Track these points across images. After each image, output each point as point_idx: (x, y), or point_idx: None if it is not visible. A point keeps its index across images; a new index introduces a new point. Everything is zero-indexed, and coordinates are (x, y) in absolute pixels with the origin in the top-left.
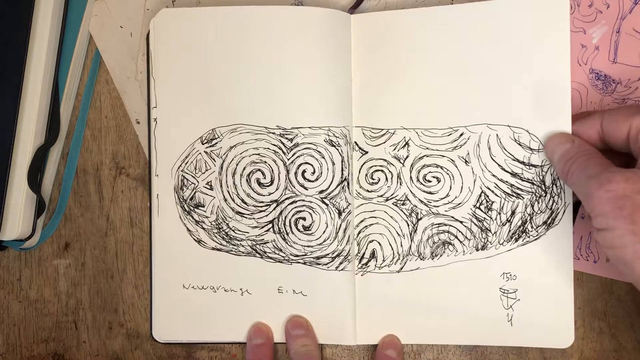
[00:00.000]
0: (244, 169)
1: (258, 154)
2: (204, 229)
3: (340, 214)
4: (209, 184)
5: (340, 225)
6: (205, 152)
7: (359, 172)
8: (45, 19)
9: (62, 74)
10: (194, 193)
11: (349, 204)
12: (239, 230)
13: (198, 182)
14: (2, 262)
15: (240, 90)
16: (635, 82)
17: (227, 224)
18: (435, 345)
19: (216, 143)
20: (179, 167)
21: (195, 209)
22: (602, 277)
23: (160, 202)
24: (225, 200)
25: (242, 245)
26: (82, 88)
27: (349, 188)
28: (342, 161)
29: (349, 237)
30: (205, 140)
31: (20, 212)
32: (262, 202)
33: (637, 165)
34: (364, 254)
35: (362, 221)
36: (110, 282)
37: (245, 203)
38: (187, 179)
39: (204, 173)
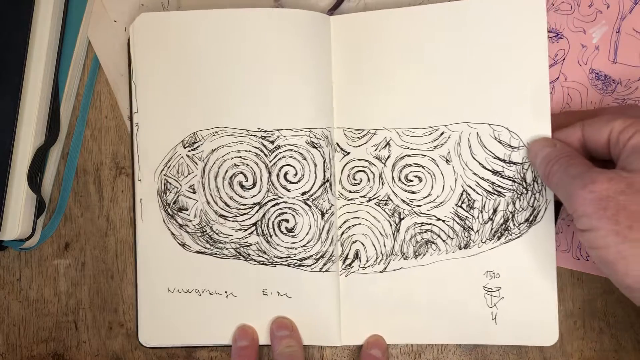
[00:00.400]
0: (226, 172)
1: (240, 157)
2: (187, 232)
3: (323, 215)
4: (192, 187)
5: (324, 226)
6: (187, 156)
7: (341, 173)
8: (45, 19)
9: (62, 74)
10: (177, 197)
11: (332, 205)
12: (223, 233)
13: (181, 185)
14: (2, 262)
15: (221, 93)
16: (635, 82)
17: (211, 227)
18: (435, 345)
19: (198, 146)
20: (161, 171)
21: (179, 213)
22: (602, 277)
23: (143, 206)
24: (209, 203)
25: (226, 248)
26: (82, 88)
27: (331, 189)
28: (324, 162)
29: (332, 238)
30: (187, 144)
31: (20, 212)
32: (245, 204)
33: (618, 166)
34: (347, 254)
35: (345, 222)
36: (110, 282)
37: (228, 206)
38: (170, 183)
39: (186, 177)
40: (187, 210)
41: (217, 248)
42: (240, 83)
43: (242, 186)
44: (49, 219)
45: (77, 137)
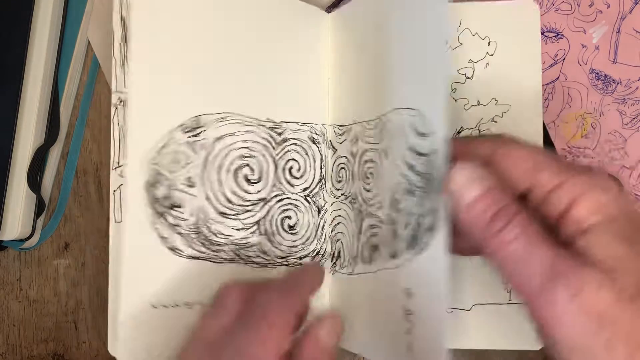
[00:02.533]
0: (232, 163)
1: (247, 148)
2: (180, 234)
3: (319, 212)
4: (189, 180)
5: (319, 223)
6: (187, 143)
7: (332, 170)
8: (45, 19)
9: (62, 74)
10: (170, 191)
11: (326, 202)
12: (222, 234)
13: (175, 177)
14: (2, 262)
15: (229, 75)
16: (635, 82)
17: (208, 227)
18: None
19: (200, 133)
20: (151, 159)
21: (171, 210)
22: None
23: (123, 202)
24: (208, 199)
25: (224, 251)
26: (82, 88)
27: (325, 186)
28: (321, 159)
29: (325, 235)
30: (188, 129)
31: (20, 212)
32: (249, 200)
33: (577, 245)
34: (333, 253)
35: (333, 220)
36: None
37: (230, 202)
38: (162, 174)
39: (183, 167)
40: (180, 207)
41: (214, 251)
42: (248, 68)
43: (247, 180)
44: (49, 219)
45: (77, 137)
